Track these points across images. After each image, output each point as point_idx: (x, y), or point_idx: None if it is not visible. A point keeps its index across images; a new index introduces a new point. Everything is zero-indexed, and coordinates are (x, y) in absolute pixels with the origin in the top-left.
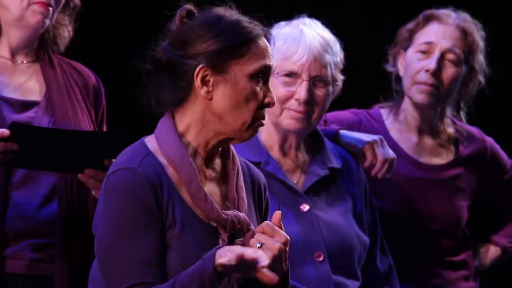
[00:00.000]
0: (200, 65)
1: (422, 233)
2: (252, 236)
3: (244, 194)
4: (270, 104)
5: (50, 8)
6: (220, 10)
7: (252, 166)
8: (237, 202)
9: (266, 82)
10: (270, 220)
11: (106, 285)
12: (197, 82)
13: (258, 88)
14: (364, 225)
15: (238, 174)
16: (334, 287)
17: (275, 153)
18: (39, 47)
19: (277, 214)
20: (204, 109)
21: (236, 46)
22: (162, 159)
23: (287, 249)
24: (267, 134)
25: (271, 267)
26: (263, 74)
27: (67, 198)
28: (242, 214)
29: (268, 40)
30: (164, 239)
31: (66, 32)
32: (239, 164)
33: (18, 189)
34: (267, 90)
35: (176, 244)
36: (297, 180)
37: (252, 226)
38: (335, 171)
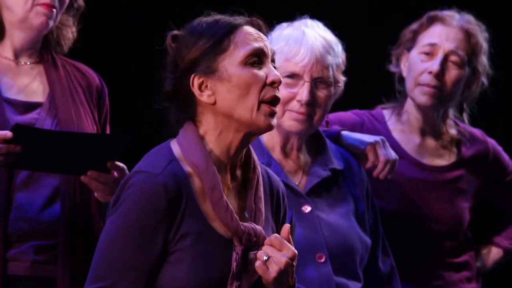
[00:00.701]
0: (192, 75)
1: (424, 234)
2: None
3: (262, 205)
4: (275, 82)
5: (54, 10)
6: (198, 19)
7: (272, 174)
8: (254, 214)
9: (263, 63)
10: None
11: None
12: (196, 91)
13: (256, 71)
14: (365, 226)
15: (258, 185)
16: None
17: (276, 154)
18: (42, 48)
19: (286, 227)
20: (214, 114)
21: (216, 43)
22: (186, 167)
23: (294, 263)
24: (268, 135)
25: (276, 280)
26: (256, 56)
27: (70, 200)
28: (259, 227)
29: (256, 26)
30: (164, 251)
31: (70, 33)
32: (260, 173)
33: (21, 190)
34: (268, 70)
35: (185, 256)
36: (299, 181)
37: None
38: (337, 172)
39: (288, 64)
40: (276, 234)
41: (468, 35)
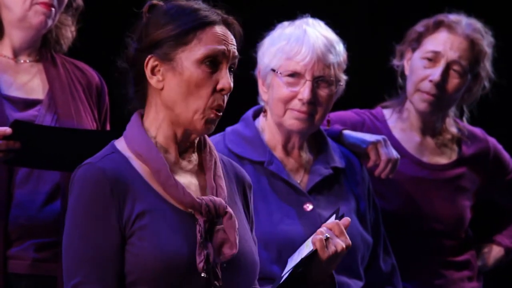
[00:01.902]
0: (149, 56)
1: (425, 233)
2: (230, 219)
3: (223, 183)
4: (223, 90)
5: (53, 9)
6: (179, 1)
7: (238, 166)
8: (215, 191)
9: (220, 67)
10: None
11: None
12: (147, 72)
13: (209, 74)
14: (367, 225)
15: (216, 165)
16: (337, 287)
17: (278, 152)
18: (41, 47)
19: (347, 220)
20: (159, 100)
21: (182, 33)
22: (128, 154)
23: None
24: (270, 134)
25: (328, 261)
26: (214, 59)
27: None
28: (218, 199)
29: (229, 27)
30: (122, 234)
31: (69, 32)
32: (217, 156)
33: (21, 187)
34: (222, 76)
35: (146, 233)
36: (301, 179)
37: (229, 209)
38: (338, 171)
39: (290, 63)
40: (338, 221)
41: (472, 44)
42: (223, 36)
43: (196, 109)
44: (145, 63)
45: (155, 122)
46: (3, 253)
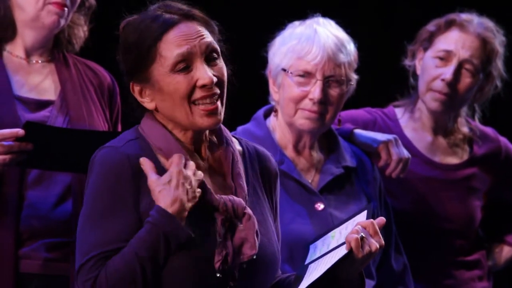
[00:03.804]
0: (131, 82)
1: (436, 232)
2: (249, 220)
3: (243, 181)
4: (204, 85)
5: (66, 9)
6: (139, 18)
7: (264, 153)
8: (235, 191)
9: (193, 65)
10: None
11: (76, 259)
12: (137, 97)
13: (183, 77)
14: None
15: (234, 162)
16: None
17: (289, 152)
18: (54, 47)
19: (382, 220)
20: (162, 115)
21: (144, 53)
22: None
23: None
24: (281, 133)
25: (362, 259)
26: (183, 62)
27: (82, 198)
28: (238, 199)
29: (194, 19)
30: (140, 220)
31: (81, 32)
32: (235, 150)
33: (33, 188)
34: (198, 72)
35: None
36: (312, 179)
37: (248, 210)
38: (349, 170)
39: (300, 62)
40: (373, 221)
41: (484, 42)
42: (184, 35)
43: (185, 111)
44: (131, 90)
45: (168, 126)
46: (15, 252)
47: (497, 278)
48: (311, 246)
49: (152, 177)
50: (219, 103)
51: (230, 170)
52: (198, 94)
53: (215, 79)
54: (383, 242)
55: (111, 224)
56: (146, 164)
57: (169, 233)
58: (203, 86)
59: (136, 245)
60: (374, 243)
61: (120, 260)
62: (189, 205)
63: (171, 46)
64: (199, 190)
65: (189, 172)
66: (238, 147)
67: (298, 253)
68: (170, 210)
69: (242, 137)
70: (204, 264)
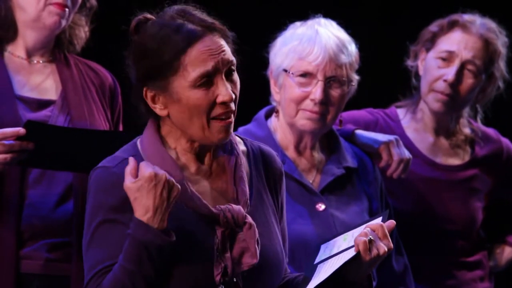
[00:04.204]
0: (145, 87)
1: (437, 233)
2: (250, 229)
3: (245, 186)
4: (225, 102)
5: (67, 9)
6: (163, 21)
7: (269, 152)
8: (236, 195)
9: (215, 81)
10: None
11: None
12: (149, 102)
13: (206, 92)
14: None
15: (237, 165)
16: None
17: (290, 152)
18: (55, 47)
19: (392, 223)
20: (171, 122)
21: (167, 64)
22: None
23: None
24: (282, 134)
25: (369, 262)
26: (206, 77)
27: (83, 197)
28: (237, 207)
29: (217, 32)
30: None
31: (83, 33)
32: (239, 153)
33: (34, 188)
34: (219, 89)
35: None
36: (313, 179)
37: (248, 219)
38: (351, 171)
39: (302, 63)
40: (383, 223)
41: (487, 43)
42: (209, 50)
43: (202, 126)
44: (143, 94)
45: (173, 135)
46: (16, 253)
47: (498, 279)
48: (322, 246)
49: (126, 182)
50: (232, 117)
51: (232, 174)
52: (217, 110)
53: (233, 96)
54: (391, 245)
55: (109, 241)
56: (130, 165)
57: (147, 242)
58: (223, 103)
59: (123, 258)
60: (382, 246)
61: (112, 275)
62: (165, 208)
63: (196, 62)
64: (177, 186)
65: (160, 172)
66: (242, 147)
67: (299, 254)
68: (144, 219)
69: None
70: (205, 278)
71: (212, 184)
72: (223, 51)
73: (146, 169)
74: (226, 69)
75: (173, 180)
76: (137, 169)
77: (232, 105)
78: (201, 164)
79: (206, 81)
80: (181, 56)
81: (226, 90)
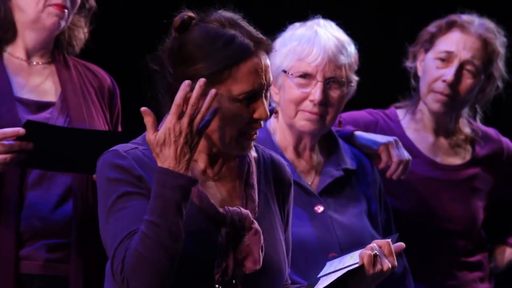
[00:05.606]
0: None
1: (438, 233)
2: (255, 235)
3: (255, 193)
4: (260, 119)
5: (66, 10)
6: (213, 26)
7: (279, 161)
8: (246, 201)
9: (256, 99)
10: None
11: (108, 255)
12: None
13: (245, 108)
14: (378, 226)
15: (249, 172)
16: None
17: (289, 154)
18: (54, 48)
19: (401, 245)
20: None
21: (216, 73)
22: None
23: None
24: (281, 135)
25: (372, 277)
26: (250, 96)
27: (83, 199)
28: (245, 211)
29: (263, 47)
30: None
31: (82, 34)
32: (252, 160)
33: (33, 189)
34: (257, 106)
35: None
36: (312, 181)
37: (255, 225)
38: (349, 172)
39: (301, 64)
40: (389, 241)
41: (485, 43)
42: (259, 69)
43: (230, 137)
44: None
45: None
46: (15, 253)
47: (498, 280)
48: (328, 263)
49: (149, 136)
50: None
51: (243, 179)
52: (250, 126)
53: (268, 114)
54: (396, 263)
55: (129, 210)
56: (147, 116)
57: (171, 186)
58: (258, 120)
59: (148, 214)
60: (387, 263)
61: (138, 234)
62: (189, 158)
63: (244, 78)
64: (200, 133)
65: (184, 120)
66: (253, 153)
67: (298, 255)
68: (169, 167)
69: None
70: (204, 275)
71: (218, 187)
72: (269, 69)
73: (171, 120)
74: (267, 86)
75: (195, 127)
76: (155, 122)
77: (260, 124)
78: (210, 165)
79: (249, 98)
80: (232, 68)
81: (265, 110)
